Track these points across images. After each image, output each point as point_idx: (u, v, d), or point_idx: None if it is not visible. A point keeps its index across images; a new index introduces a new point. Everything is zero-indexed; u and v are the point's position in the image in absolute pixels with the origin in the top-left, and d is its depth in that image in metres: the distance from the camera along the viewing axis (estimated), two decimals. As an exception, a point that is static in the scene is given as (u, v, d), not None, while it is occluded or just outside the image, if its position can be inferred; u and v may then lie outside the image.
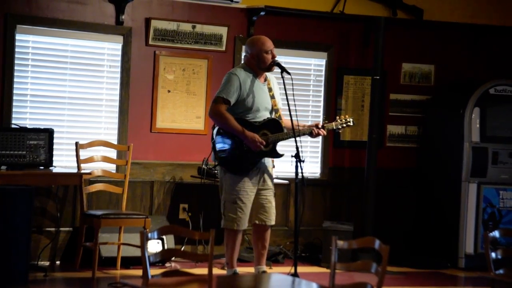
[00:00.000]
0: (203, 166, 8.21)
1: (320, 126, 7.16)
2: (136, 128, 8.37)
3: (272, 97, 7.13)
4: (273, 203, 7.19)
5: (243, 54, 7.22)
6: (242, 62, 7.33)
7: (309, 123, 9.07)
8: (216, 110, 6.96)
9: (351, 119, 7.34)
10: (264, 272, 7.20)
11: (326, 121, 7.27)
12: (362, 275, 6.94)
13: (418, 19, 9.40)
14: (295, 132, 6.94)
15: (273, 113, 7.15)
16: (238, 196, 7.00)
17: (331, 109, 9.15)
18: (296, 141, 6.93)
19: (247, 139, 6.93)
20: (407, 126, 9.49)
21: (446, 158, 9.07)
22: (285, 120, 7.19)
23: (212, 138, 7.10)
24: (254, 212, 7.17)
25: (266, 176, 7.14)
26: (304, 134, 7.15)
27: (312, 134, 7.16)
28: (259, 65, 7.07)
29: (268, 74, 7.19)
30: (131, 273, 7.65)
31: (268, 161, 7.17)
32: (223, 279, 5.39)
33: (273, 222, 7.21)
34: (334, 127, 7.28)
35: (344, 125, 7.31)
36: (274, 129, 7.07)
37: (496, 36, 9.68)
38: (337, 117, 7.37)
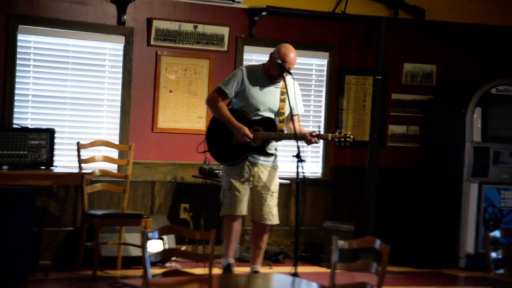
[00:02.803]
0: (205, 166, 8.22)
1: (314, 134, 7.09)
2: (138, 128, 8.38)
3: (283, 100, 7.13)
4: (271, 203, 7.17)
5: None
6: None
7: (310, 128, 9.11)
8: (211, 97, 7.20)
9: (351, 136, 7.15)
10: (256, 272, 7.21)
11: (318, 131, 7.14)
12: (362, 275, 6.92)
13: (420, 19, 9.40)
14: (296, 136, 6.94)
15: (278, 115, 7.17)
16: (231, 182, 7.10)
17: (333, 109, 9.16)
18: (297, 141, 6.93)
19: (235, 128, 7.03)
20: (408, 126, 9.49)
21: (448, 158, 9.07)
22: (294, 126, 7.09)
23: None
24: (252, 209, 7.23)
25: (261, 175, 7.15)
26: (299, 139, 6.98)
27: (305, 140, 7.08)
28: (268, 70, 7.11)
29: (289, 78, 7.13)
30: (131, 273, 7.65)
31: (266, 161, 7.18)
32: (223, 279, 5.39)
33: (269, 222, 7.18)
34: (330, 138, 7.20)
35: (342, 139, 7.13)
36: (268, 128, 7.10)
37: (498, 36, 9.68)
38: (337, 131, 7.28)
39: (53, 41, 8.09)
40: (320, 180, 9.13)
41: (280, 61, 7.06)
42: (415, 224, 9.39)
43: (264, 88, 7.13)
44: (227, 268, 7.17)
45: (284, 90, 7.14)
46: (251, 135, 7.03)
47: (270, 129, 7.10)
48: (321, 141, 9.07)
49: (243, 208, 7.13)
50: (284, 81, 7.07)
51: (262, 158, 7.15)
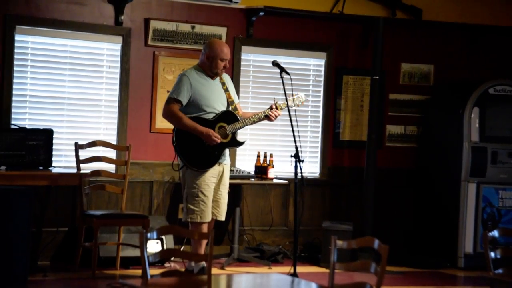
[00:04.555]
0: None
1: (273, 107, 7.31)
2: (136, 128, 8.38)
3: (226, 90, 7.32)
4: (227, 200, 7.37)
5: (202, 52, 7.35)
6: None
7: (308, 122, 9.11)
8: (169, 110, 7.20)
9: (301, 94, 7.45)
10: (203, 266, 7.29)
11: (275, 104, 7.34)
12: (361, 275, 6.94)
13: (417, 19, 9.40)
14: (259, 117, 7.25)
15: (229, 106, 7.30)
16: (199, 189, 7.16)
17: (330, 109, 9.16)
18: (295, 141, 6.97)
19: (202, 134, 7.12)
20: (406, 126, 9.49)
21: (446, 158, 9.07)
22: (244, 112, 7.47)
23: (173, 140, 7.22)
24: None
25: (224, 174, 7.32)
26: (261, 120, 7.33)
27: (268, 118, 7.32)
28: (210, 69, 7.24)
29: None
30: (130, 273, 7.65)
31: (226, 160, 7.33)
32: (222, 279, 5.39)
33: (223, 218, 7.39)
34: (287, 105, 7.33)
35: (297, 101, 7.40)
36: (230, 120, 7.25)
37: (495, 35, 9.69)
38: (290, 97, 7.39)
39: (51, 41, 8.09)
40: (318, 180, 9.14)
41: (277, 61, 7.33)
42: (414, 224, 9.39)
43: (209, 86, 7.27)
44: (201, 272, 7.12)
45: (223, 81, 7.32)
46: (218, 136, 7.12)
47: (233, 121, 7.25)
48: (320, 140, 9.12)
49: (209, 215, 7.25)
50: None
51: (226, 158, 7.29)
